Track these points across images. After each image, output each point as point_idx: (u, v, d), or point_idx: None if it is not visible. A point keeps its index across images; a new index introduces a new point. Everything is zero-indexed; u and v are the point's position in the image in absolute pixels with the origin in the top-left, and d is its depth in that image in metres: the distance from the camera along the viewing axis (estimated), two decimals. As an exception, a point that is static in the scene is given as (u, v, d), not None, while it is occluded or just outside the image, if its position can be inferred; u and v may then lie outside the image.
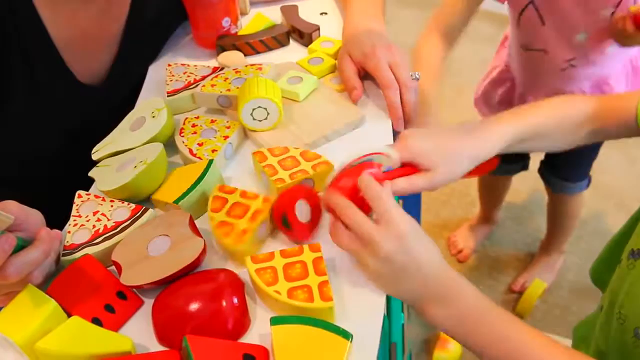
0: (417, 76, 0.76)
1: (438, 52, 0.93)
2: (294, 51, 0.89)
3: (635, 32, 0.84)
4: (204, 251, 0.54)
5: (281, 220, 0.57)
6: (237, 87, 0.74)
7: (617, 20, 0.87)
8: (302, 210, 0.57)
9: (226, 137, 0.69)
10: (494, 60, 1.18)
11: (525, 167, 1.35)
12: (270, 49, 0.89)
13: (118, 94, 0.80)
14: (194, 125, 0.71)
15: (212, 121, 0.72)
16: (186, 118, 0.73)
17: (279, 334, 0.46)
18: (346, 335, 0.46)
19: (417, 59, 0.93)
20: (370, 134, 0.71)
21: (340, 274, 0.54)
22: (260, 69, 0.78)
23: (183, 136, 0.70)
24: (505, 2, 0.98)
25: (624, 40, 0.89)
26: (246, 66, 0.79)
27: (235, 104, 0.72)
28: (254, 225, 0.56)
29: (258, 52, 0.89)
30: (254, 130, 0.71)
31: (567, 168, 1.24)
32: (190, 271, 0.54)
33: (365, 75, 0.77)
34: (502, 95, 1.14)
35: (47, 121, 0.75)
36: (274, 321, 0.47)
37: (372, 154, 0.56)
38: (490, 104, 1.19)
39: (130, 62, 0.82)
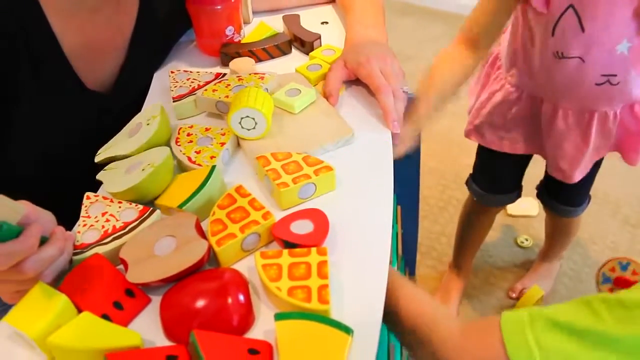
0: (408, 90, 0.78)
1: (454, 72, 0.94)
2: (295, 59, 0.91)
3: None
4: (207, 253, 0.56)
5: (284, 245, 0.58)
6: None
7: None
8: (300, 226, 0.59)
9: (223, 144, 0.71)
10: (490, 84, 1.13)
11: (519, 195, 1.32)
12: (272, 57, 0.92)
13: (126, 100, 0.82)
14: (189, 135, 0.73)
15: (207, 129, 0.74)
16: (180, 127, 0.75)
17: (283, 329, 0.48)
18: (347, 330, 0.48)
19: (431, 76, 0.93)
20: (365, 146, 0.73)
21: (344, 275, 0.56)
22: (262, 78, 0.80)
23: (180, 145, 0.72)
24: (532, 10, 0.93)
25: None
26: (249, 74, 0.81)
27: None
28: (241, 234, 0.57)
29: (261, 60, 0.91)
30: (243, 139, 0.73)
31: (569, 194, 1.19)
32: (194, 271, 0.56)
33: (360, 83, 0.79)
34: (517, 113, 1.09)
35: (55, 126, 0.77)
36: (278, 317, 0.49)
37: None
38: (496, 126, 1.14)
39: (138, 69, 0.84)
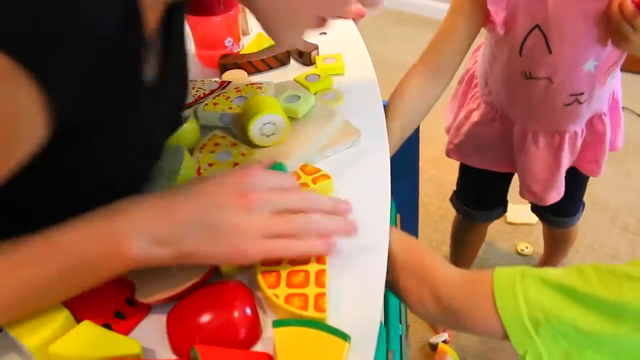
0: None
1: (417, 102, 0.88)
2: (294, 70, 0.92)
3: (636, 13, 0.75)
4: (212, 268, 0.56)
5: None
6: (239, 105, 0.77)
7: (616, 5, 0.77)
8: None
9: (236, 164, 0.70)
10: (467, 103, 1.11)
11: (505, 210, 1.32)
12: (271, 67, 0.93)
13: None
14: (216, 144, 0.73)
15: (234, 144, 0.73)
16: (214, 134, 0.74)
17: (281, 336, 0.48)
18: (345, 337, 0.48)
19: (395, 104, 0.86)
20: (362, 154, 0.74)
21: (342, 283, 0.57)
22: (260, 87, 0.81)
23: (202, 153, 0.71)
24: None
25: (620, 35, 0.79)
26: (247, 85, 0.82)
27: (240, 121, 0.74)
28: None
29: (260, 71, 0.92)
30: (263, 147, 0.73)
31: (562, 205, 1.16)
32: (199, 285, 0.55)
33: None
34: (493, 133, 1.08)
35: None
36: (276, 324, 0.49)
37: None
38: (474, 144, 1.13)
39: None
